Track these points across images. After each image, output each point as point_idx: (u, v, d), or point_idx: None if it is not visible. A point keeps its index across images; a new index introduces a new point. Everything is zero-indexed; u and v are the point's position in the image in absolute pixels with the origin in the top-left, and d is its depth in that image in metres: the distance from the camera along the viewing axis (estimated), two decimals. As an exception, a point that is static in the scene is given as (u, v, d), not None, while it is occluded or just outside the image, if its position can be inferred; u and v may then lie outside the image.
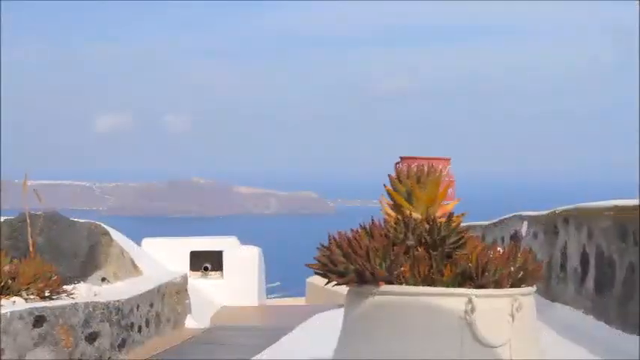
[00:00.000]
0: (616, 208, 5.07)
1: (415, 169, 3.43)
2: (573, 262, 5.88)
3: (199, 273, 12.63)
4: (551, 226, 6.48)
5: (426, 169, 3.40)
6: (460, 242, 3.18)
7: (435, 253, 3.16)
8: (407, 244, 3.19)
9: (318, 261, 3.30)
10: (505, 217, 8.27)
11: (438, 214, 3.35)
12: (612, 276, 5.10)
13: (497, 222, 8.54)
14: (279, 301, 18.57)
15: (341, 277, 3.19)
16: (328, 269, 3.25)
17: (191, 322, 9.84)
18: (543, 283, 6.61)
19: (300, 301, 18.11)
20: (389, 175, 3.41)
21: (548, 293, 6.48)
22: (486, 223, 9.10)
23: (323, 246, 3.29)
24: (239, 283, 12.55)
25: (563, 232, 6.16)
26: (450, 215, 3.23)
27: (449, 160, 7.98)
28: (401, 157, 8.03)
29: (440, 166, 7.96)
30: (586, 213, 5.63)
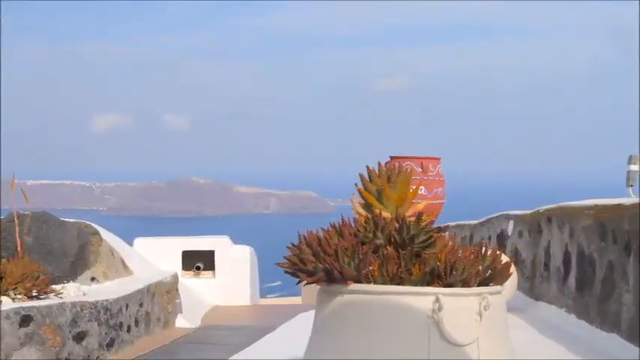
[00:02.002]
0: (596, 207, 5.09)
1: (386, 169, 3.43)
2: (556, 260, 5.90)
3: (191, 272, 12.65)
4: (535, 225, 6.50)
5: (397, 168, 3.41)
6: (429, 241, 3.19)
7: (403, 252, 3.17)
8: (376, 243, 3.20)
9: (289, 260, 3.31)
10: (492, 216, 8.29)
11: (409, 213, 3.36)
12: (592, 275, 5.12)
13: (484, 221, 8.56)
14: (273, 301, 18.61)
15: (310, 276, 3.21)
16: (298, 268, 3.26)
17: (182, 322, 9.87)
18: (528, 282, 6.63)
19: (296, 300, 18.13)
20: (360, 174, 3.43)
21: (533, 292, 6.50)
22: (475, 222, 9.11)
23: (293, 245, 3.31)
24: (231, 282, 12.58)
25: (547, 231, 6.18)
26: (420, 214, 3.24)
27: (439, 159, 7.97)
28: (391, 157, 8.01)
29: (429, 165, 7.93)
30: (568, 212, 5.65)
